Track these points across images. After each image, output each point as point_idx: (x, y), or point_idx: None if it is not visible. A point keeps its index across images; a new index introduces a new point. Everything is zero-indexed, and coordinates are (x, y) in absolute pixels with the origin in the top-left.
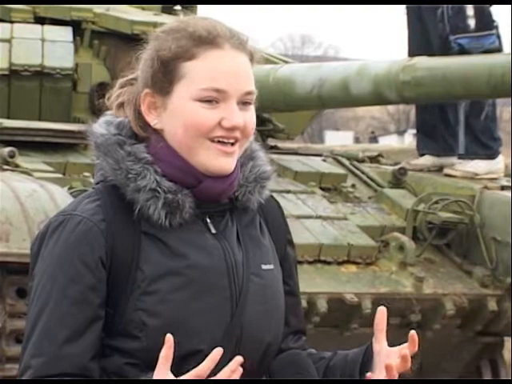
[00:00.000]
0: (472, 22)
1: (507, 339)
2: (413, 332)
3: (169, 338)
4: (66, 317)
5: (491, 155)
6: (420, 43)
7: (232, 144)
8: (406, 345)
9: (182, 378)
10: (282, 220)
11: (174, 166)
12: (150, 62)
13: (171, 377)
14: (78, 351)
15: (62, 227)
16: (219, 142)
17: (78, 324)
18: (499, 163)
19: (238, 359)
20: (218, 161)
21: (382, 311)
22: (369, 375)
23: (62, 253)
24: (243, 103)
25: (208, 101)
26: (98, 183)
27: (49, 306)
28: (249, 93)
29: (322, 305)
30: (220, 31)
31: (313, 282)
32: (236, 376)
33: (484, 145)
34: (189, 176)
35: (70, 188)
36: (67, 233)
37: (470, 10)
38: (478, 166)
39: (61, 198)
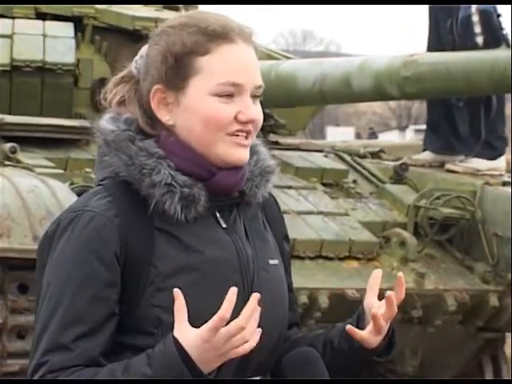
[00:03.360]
0: (480, 40)
1: (508, 335)
2: (400, 274)
3: (177, 291)
4: (82, 314)
5: (495, 156)
6: (436, 46)
7: (246, 137)
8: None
9: (204, 326)
10: (279, 215)
11: (187, 160)
12: (162, 58)
13: (192, 328)
14: (92, 346)
15: (73, 224)
16: (234, 135)
17: (95, 321)
18: (501, 161)
19: (256, 295)
20: (236, 152)
21: (377, 273)
22: (348, 328)
23: (75, 249)
24: (254, 96)
25: (224, 95)
26: (103, 180)
27: (63, 304)
28: (260, 86)
29: (324, 300)
30: (232, 26)
31: (314, 278)
32: (257, 315)
33: (489, 146)
34: (202, 169)
35: (71, 184)
36: (80, 229)
37: (477, 27)
38: (480, 162)
39: (62, 193)
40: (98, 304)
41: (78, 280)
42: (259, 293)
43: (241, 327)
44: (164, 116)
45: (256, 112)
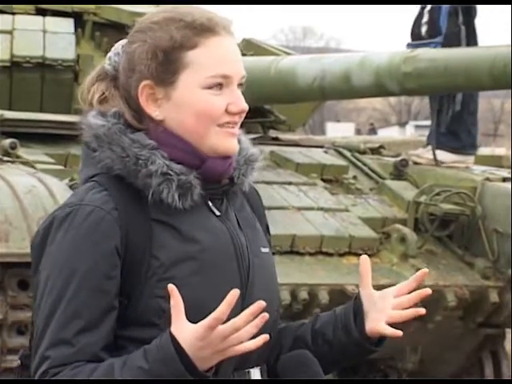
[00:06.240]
0: (424, 29)
1: (508, 331)
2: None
3: (171, 287)
4: (84, 308)
5: (459, 149)
6: None
7: (233, 127)
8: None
9: (200, 324)
10: (262, 207)
11: (178, 149)
12: (150, 54)
13: (188, 325)
14: (93, 340)
15: (70, 218)
16: (225, 126)
17: (95, 314)
18: (470, 159)
19: (261, 303)
20: (228, 142)
21: (364, 259)
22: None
23: (74, 243)
24: (238, 86)
25: (215, 87)
26: (92, 177)
27: (65, 298)
28: (244, 76)
29: (324, 296)
30: (216, 19)
31: (314, 274)
32: (255, 323)
33: (456, 137)
34: (193, 157)
35: (71, 180)
36: (78, 223)
37: (425, 17)
38: (445, 155)
39: (60, 193)
40: (100, 297)
41: (79, 273)
42: (255, 280)
43: (235, 328)
44: (153, 111)
45: (245, 102)
